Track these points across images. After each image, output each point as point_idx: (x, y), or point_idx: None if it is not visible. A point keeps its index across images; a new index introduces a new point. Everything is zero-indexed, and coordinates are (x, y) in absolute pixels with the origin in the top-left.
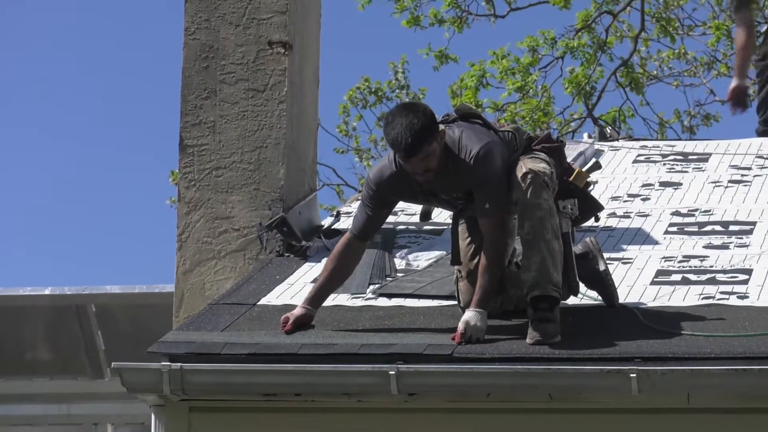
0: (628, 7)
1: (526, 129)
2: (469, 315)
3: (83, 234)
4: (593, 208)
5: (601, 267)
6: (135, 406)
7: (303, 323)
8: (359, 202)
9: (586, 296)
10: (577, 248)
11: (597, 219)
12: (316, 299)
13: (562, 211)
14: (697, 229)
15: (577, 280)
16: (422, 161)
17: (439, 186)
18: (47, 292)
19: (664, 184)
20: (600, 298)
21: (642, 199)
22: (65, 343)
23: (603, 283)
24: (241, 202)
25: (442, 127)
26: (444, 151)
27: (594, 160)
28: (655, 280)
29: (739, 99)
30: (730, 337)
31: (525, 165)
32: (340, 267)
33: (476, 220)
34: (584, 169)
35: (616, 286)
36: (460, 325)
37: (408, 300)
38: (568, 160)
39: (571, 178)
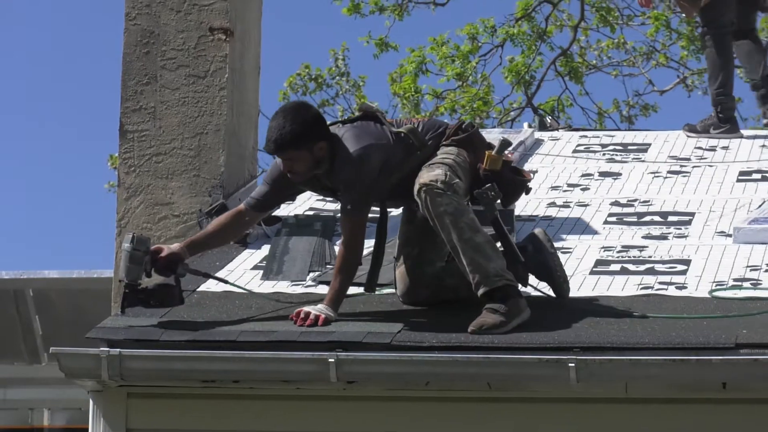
0: None
1: (466, 118)
2: (318, 307)
3: (20, 216)
4: (519, 184)
5: (550, 259)
6: (72, 392)
7: (174, 260)
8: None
9: (537, 289)
10: (523, 240)
11: (527, 192)
12: (194, 246)
13: (483, 199)
14: (636, 220)
15: (521, 259)
16: (286, 162)
17: (329, 182)
18: None
19: (604, 174)
20: (550, 290)
21: (581, 189)
22: (2, 327)
23: (551, 274)
24: (181, 188)
25: (334, 130)
26: (329, 150)
27: (501, 138)
28: (594, 269)
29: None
30: (667, 318)
31: (418, 180)
32: (226, 228)
33: (409, 208)
34: (494, 152)
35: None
36: (305, 309)
37: None
38: (511, 147)
39: (483, 166)
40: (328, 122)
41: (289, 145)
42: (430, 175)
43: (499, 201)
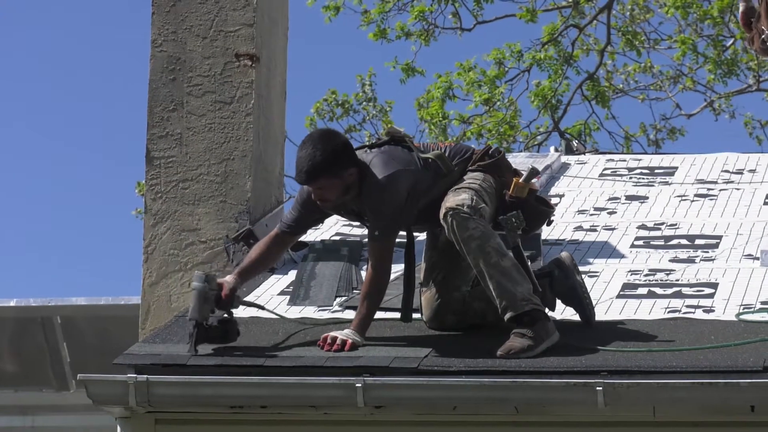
0: (594, 21)
1: (492, 142)
2: (345, 332)
3: (47, 241)
4: (542, 214)
5: (578, 283)
6: (100, 418)
7: (233, 294)
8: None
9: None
10: (550, 264)
11: (549, 223)
12: (245, 275)
13: (507, 226)
14: (663, 243)
15: (539, 289)
16: (317, 191)
17: (357, 207)
18: (12, 303)
19: (631, 198)
20: (577, 315)
21: (608, 213)
22: (30, 354)
23: (579, 300)
24: (208, 215)
25: (361, 155)
26: (358, 175)
27: (530, 167)
28: (621, 293)
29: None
30: (695, 350)
31: (444, 204)
32: (270, 252)
33: (432, 232)
34: (521, 180)
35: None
36: (332, 334)
37: None
38: (539, 174)
39: (510, 192)
40: (355, 147)
41: (320, 174)
42: (456, 199)
43: (521, 229)
